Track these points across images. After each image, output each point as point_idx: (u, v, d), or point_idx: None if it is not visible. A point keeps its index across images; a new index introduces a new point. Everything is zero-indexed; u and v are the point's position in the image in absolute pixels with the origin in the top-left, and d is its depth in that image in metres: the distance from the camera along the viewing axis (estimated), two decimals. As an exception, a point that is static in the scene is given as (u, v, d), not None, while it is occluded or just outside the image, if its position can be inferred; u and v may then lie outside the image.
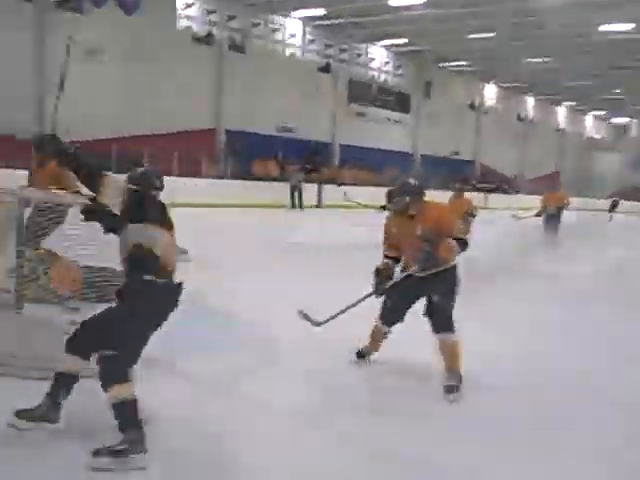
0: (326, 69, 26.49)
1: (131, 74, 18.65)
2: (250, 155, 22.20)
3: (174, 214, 3.31)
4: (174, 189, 4.04)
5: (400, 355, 4.64)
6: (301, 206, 20.18)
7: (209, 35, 21.77)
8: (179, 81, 19.78)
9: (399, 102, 30.52)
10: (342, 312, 4.41)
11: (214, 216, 14.58)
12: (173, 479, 2.96)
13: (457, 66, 31.55)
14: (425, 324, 4.25)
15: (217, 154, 21.70)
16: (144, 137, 18.16)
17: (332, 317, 4.45)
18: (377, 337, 4.57)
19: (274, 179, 21.66)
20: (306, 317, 4.49)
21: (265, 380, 4.20)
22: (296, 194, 20.25)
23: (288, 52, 24.81)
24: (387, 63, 29.37)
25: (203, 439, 3.29)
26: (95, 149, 16.11)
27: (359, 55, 27.96)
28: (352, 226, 13.46)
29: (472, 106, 34.46)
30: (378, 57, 28.85)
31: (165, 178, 3.38)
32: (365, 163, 26.55)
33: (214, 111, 22.25)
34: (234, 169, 21.36)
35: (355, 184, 25.69)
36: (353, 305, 4.38)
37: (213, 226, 12.49)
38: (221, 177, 20.47)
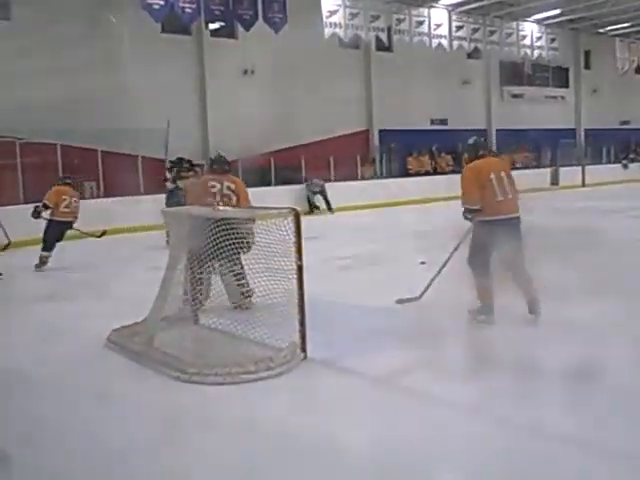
0: (476, 55, 25.90)
1: (283, 88, 19.51)
2: (405, 152, 22.35)
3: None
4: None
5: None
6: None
7: (355, 38, 22.15)
8: (329, 88, 20.35)
9: (557, 77, 29.07)
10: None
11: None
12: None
13: (618, 29, 29.42)
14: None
15: (372, 155, 22.05)
16: (299, 147, 18.94)
17: (427, 287, 5.64)
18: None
19: (427, 172, 21.72)
20: (403, 301, 5.75)
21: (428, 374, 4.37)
22: None
23: (435, 43, 24.52)
24: (539, 38, 28.06)
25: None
26: (255, 165, 17.20)
27: (509, 35, 26.96)
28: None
29: (639, 69, 31.92)
30: (529, 34, 27.67)
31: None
32: (525, 146, 25.69)
33: (366, 113, 22.62)
34: (391, 168, 21.72)
35: (516, 168, 25.09)
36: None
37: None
38: (378, 177, 20.81)
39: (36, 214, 9.61)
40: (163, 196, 11.85)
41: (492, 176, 5.31)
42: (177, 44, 18.09)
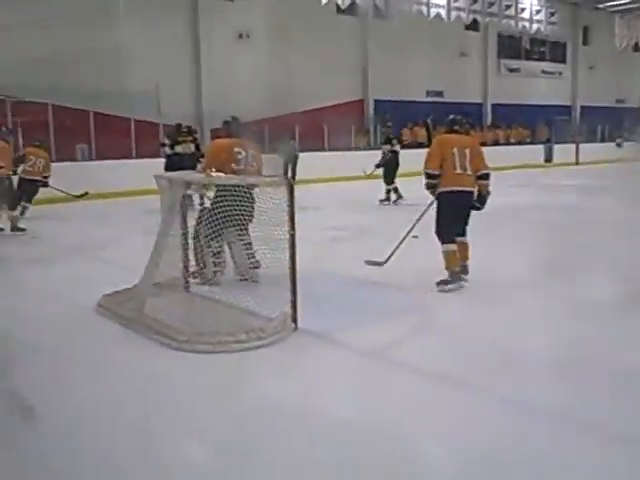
0: (474, 27, 25.66)
1: (278, 54, 19.31)
2: (400, 123, 22.20)
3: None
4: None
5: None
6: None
7: (353, 4, 21.86)
8: (325, 55, 20.17)
9: (554, 52, 28.93)
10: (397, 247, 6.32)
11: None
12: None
13: (618, 5, 29.17)
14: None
15: (366, 125, 21.92)
16: (294, 115, 18.77)
17: (391, 254, 6.23)
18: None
19: (420, 144, 21.58)
20: (370, 262, 6.21)
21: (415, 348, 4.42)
22: None
23: (433, 13, 24.25)
24: (539, 12, 27.83)
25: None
26: (249, 132, 17.01)
27: (508, 7, 26.69)
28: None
29: (637, 47, 31.78)
30: (529, 7, 27.41)
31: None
32: (520, 121, 25.62)
33: (361, 82, 22.45)
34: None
35: (510, 143, 25.05)
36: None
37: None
38: (372, 147, 20.70)
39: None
40: (156, 160, 11.79)
41: (454, 150, 5.81)
42: (172, 5, 17.78)
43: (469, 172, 5.84)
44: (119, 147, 14.90)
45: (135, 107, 15.44)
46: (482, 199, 5.95)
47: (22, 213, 9.85)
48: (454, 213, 5.86)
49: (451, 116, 6.18)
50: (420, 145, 21.57)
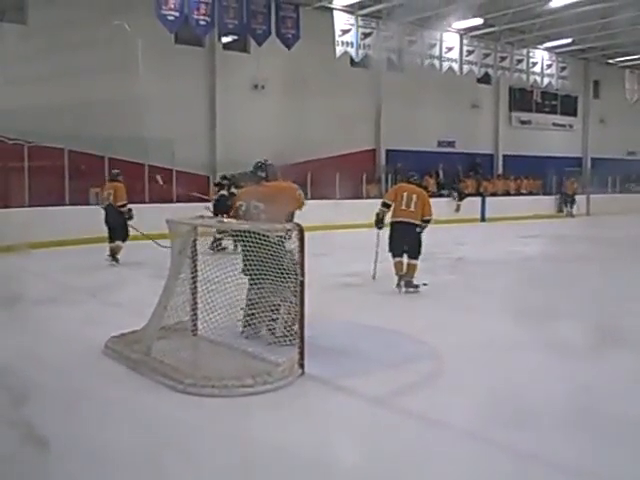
0: (486, 79, 26.02)
1: (292, 105, 19.63)
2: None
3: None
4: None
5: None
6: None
7: (366, 57, 22.27)
8: (338, 106, 20.43)
9: (565, 105, 29.21)
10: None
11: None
12: None
13: (628, 60, 29.55)
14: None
15: (378, 174, 22.09)
16: (306, 163, 18.93)
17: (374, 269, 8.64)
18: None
19: (431, 195, 21.66)
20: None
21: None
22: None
23: (445, 66, 24.65)
24: (550, 66, 28.20)
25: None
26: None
27: (519, 61, 27.07)
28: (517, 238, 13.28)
29: (647, 101, 32.03)
30: (540, 61, 27.81)
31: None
32: (531, 172, 25.77)
33: (374, 132, 22.70)
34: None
35: (521, 194, 25.13)
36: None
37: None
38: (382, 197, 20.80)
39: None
40: (166, 205, 11.98)
41: (404, 194, 8.24)
42: (190, 55, 18.21)
43: (412, 209, 8.10)
44: (132, 192, 15.08)
45: (151, 153, 15.71)
46: (422, 228, 8.16)
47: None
48: (397, 236, 8.10)
49: (411, 173, 8.91)
50: (432, 195, 21.73)
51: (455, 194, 21.95)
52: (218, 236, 9.66)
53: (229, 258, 5.39)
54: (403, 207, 8.10)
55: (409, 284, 8.08)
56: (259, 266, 5.10)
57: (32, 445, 3.42)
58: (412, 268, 8.12)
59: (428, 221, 8.18)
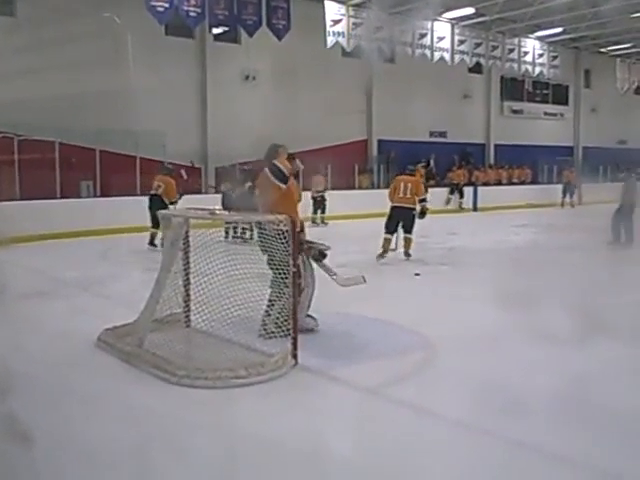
0: (477, 69, 26.00)
1: (283, 95, 19.56)
2: (403, 163, 22.32)
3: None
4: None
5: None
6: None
7: (357, 47, 22.17)
8: (330, 96, 20.39)
9: (557, 95, 29.25)
10: None
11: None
12: None
13: (619, 49, 29.59)
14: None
15: (370, 165, 22.07)
16: (298, 154, 18.83)
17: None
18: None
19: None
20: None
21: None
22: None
23: (437, 56, 24.58)
24: (541, 55, 28.20)
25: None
26: (254, 168, 17.17)
27: (511, 50, 27.05)
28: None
29: (638, 90, 32.09)
30: (531, 50, 27.79)
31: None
32: (522, 161, 25.80)
33: (366, 122, 22.67)
34: (389, 179, 21.62)
35: (513, 183, 25.17)
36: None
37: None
38: (375, 188, 20.81)
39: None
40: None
41: (401, 184, 9.87)
42: (180, 47, 18.12)
43: (408, 195, 9.71)
44: (124, 184, 15.04)
45: (142, 145, 15.64)
46: (423, 214, 9.81)
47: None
48: (394, 216, 9.74)
49: (410, 167, 11.42)
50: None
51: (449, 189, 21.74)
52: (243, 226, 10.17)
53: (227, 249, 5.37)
54: (400, 195, 9.76)
55: (407, 254, 9.77)
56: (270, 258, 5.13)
57: (17, 439, 3.40)
58: (408, 241, 9.78)
59: (424, 200, 9.86)
